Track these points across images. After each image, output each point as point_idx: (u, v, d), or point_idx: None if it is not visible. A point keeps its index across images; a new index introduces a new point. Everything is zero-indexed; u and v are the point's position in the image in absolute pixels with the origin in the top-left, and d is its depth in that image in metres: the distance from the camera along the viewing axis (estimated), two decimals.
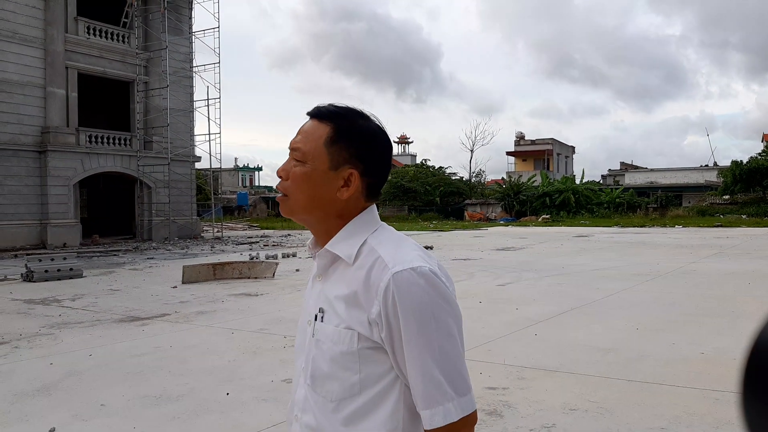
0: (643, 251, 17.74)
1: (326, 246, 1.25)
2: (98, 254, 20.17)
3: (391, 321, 1.13)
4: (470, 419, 1.14)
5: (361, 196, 1.25)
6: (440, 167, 56.27)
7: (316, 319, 1.25)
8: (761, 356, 0.53)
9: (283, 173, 1.26)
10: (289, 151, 1.28)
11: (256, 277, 12.65)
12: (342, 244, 1.23)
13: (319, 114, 1.26)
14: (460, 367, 1.15)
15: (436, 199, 50.03)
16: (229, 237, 29.22)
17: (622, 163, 67.85)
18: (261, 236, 29.76)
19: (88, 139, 25.47)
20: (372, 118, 1.28)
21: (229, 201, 54.70)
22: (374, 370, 1.17)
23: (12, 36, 23.09)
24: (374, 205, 1.29)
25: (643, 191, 48.38)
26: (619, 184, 49.72)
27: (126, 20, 27.24)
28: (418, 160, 67.11)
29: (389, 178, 1.30)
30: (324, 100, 1.32)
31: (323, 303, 1.25)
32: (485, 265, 14.52)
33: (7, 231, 22.62)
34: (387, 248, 1.19)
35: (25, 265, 12.87)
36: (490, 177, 63.63)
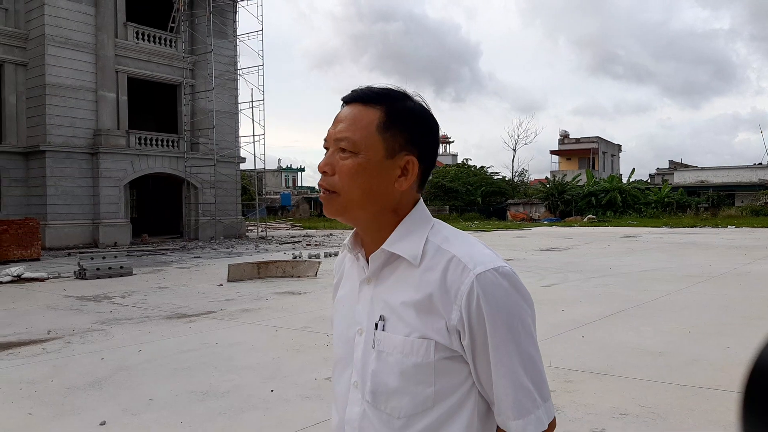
0: (694, 252, 17.18)
1: (384, 245, 1.12)
2: (147, 253, 20.70)
3: (475, 327, 1.04)
4: (554, 424, 1.08)
5: (415, 186, 1.14)
6: (482, 167, 55.75)
7: (376, 328, 1.12)
8: (762, 378, 0.53)
9: (328, 168, 1.11)
10: (324, 144, 1.15)
11: (299, 276, 12.76)
12: (403, 243, 1.11)
13: (363, 97, 1.12)
14: (543, 370, 1.07)
15: (477, 199, 49.57)
16: (272, 236, 29.59)
17: (671, 162, 66.00)
18: (304, 236, 30.04)
19: (137, 141, 26.18)
20: (416, 97, 1.15)
21: (273, 201, 55.53)
22: (450, 380, 1.08)
23: (65, 42, 23.92)
24: (421, 197, 1.18)
25: (693, 190, 46.91)
26: (668, 184, 48.33)
27: (173, 25, 27.92)
28: (459, 160, 66.77)
29: (429, 177, 1.20)
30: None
31: (382, 310, 1.12)
32: (529, 265, 14.30)
33: (60, 230, 23.45)
34: (458, 247, 1.08)
35: (78, 263, 13.31)
36: (533, 176, 63.02)
